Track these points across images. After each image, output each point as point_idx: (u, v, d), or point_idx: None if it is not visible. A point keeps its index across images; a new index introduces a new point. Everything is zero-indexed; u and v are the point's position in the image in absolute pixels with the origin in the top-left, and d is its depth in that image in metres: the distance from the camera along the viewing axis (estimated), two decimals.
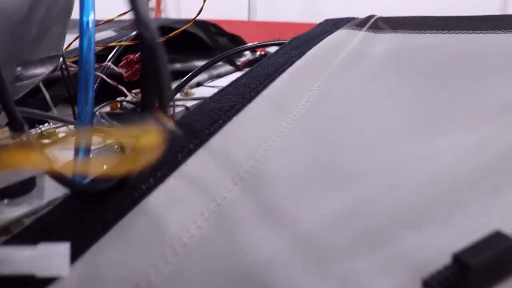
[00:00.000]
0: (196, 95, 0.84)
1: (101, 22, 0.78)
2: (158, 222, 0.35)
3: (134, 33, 0.93)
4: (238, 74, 0.99)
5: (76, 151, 0.42)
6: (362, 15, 0.91)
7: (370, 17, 0.90)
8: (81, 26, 0.44)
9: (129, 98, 0.72)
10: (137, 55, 0.56)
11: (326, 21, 0.94)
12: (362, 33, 0.79)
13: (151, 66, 0.29)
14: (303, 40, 0.78)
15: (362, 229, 0.33)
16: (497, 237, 0.27)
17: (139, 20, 0.29)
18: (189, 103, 0.80)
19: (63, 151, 0.54)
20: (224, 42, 1.22)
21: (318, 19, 0.95)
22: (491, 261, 0.26)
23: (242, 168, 0.41)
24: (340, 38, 0.77)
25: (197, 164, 0.42)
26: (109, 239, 0.34)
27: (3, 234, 0.40)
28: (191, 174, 0.41)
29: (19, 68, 0.45)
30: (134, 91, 0.71)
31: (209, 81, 1.03)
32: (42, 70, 0.48)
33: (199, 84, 0.98)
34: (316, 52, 0.70)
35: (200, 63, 1.21)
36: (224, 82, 0.92)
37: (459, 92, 0.55)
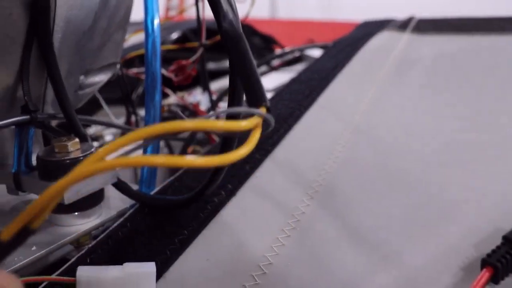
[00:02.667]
0: None
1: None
2: (238, 239, 0.34)
3: (175, 35, 0.92)
4: (273, 74, 0.98)
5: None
6: (383, 11, 0.89)
7: (411, 18, 0.89)
8: (146, 28, 0.43)
9: (172, 99, 0.72)
10: (190, 61, 0.56)
11: (365, 23, 0.93)
12: (406, 36, 0.78)
13: (239, 60, 0.28)
14: (347, 43, 0.77)
15: (445, 245, 0.33)
16: None
17: (221, 15, 0.28)
18: None
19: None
20: (257, 42, 1.21)
21: (339, 16, 0.94)
22: None
23: (314, 181, 0.40)
24: (384, 41, 0.76)
25: (267, 176, 0.41)
26: (189, 257, 0.33)
27: (73, 245, 0.39)
28: (262, 187, 0.40)
29: (82, 77, 0.44)
30: (179, 93, 0.70)
31: None
32: (102, 77, 0.47)
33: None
34: (364, 57, 0.69)
35: None
36: (265, 83, 0.91)
37: None
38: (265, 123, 0.25)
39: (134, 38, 0.82)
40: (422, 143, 0.46)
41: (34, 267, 0.40)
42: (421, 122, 0.51)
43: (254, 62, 0.28)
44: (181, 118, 0.54)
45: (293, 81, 0.61)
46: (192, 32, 1.00)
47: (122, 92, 0.61)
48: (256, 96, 0.27)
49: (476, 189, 0.39)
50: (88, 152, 0.37)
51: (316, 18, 2.80)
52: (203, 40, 0.56)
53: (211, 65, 1.09)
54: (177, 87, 0.70)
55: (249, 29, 1.17)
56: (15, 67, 0.37)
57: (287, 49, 0.93)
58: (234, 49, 0.28)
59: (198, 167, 0.19)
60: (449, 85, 0.58)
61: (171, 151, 0.65)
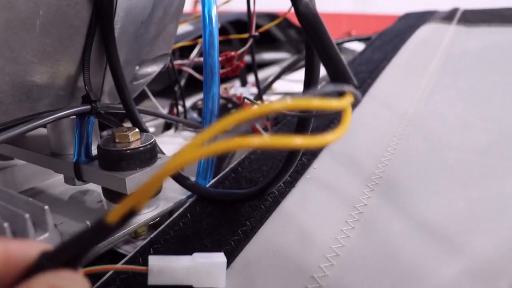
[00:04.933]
0: (279, 90, 0.83)
1: (193, 16, 0.77)
2: (302, 230, 0.34)
3: None
4: None
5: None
6: (414, 5, 0.88)
7: (456, 10, 0.87)
8: (204, 19, 0.43)
9: None
10: (238, 52, 0.55)
11: (407, 15, 0.91)
12: (453, 27, 0.77)
13: (319, 42, 0.27)
14: (392, 35, 0.76)
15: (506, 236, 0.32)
16: None
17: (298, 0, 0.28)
18: (273, 98, 0.79)
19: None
20: (293, 34, 1.20)
21: (370, 9, 0.93)
22: None
23: (373, 173, 0.40)
24: (431, 34, 0.74)
25: (325, 167, 0.41)
26: (253, 247, 0.33)
27: (131, 235, 0.39)
28: (321, 179, 0.39)
29: (137, 67, 0.44)
30: (223, 85, 0.70)
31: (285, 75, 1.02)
32: (155, 68, 0.47)
33: (277, 78, 0.97)
34: (411, 49, 0.68)
35: (268, 55, 1.20)
36: (299, 75, 0.90)
37: None
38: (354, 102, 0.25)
39: None
40: (477, 136, 0.45)
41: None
42: (475, 114, 0.50)
43: (334, 42, 0.27)
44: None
45: None
46: (230, 24, 0.99)
47: (170, 82, 0.61)
48: (342, 75, 0.27)
49: None
50: (148, 143, 0.37)
51: (348, 11, 2.78)
52: (253, 32, 0.55)
53: (247, 58, 1.09)
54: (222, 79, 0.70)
55: (286, 21, 1.16)
56: (78, 57, 0.37)
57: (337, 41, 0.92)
58: (312, 31, 0.27)
59: (304, 147, 0.19)
60: (501, 77, 0.57)
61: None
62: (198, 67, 0.70)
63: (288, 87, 0.86)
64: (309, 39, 0.29)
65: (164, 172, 0.17)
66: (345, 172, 0.40)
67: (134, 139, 0.38)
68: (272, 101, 0.19)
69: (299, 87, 0.55)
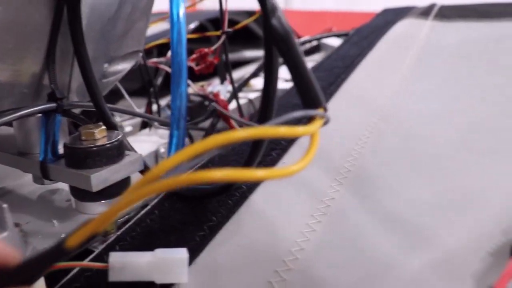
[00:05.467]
0: (257, 87, 0.83)
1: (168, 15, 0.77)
2: (267, 225, 0.34)
3: (192, 25, 0.92)
4: None
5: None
6: (398, 2, 0.89)
7: (433, 5, 0.88)
8: (172, 18, 0.43)
9: (191, 90, 0.71)
10: (212, 49, 0.55)
11: (385, 10, 0.92)
12: (429, 23, 0.77)
13: (290, 59, 0.27)
14: (369, 31, 0.76)
15: (479, 230, 0.32)
16: None
17: (270, 13, 0.27)
18: (252, 95, 0.79)
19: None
20: None
21: (354, 7, 0.93)
22: None
23: (342, 167, 0.40)
24: (407, 29, 0.75)
25: (294, 161, 0.41)
26: (219, 243, 0.33)
27: (101, 234, 0.39)
28: None
29: (106, 65, 0.44)
30: (199, 83, 0.70)
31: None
32: (125, 66, 0.47)
33: (254, 75, 0.97)
34: (387, 44, 0.68)
35: (249, 53, 1.20)
36: (280, 71, 0.90)
37: None
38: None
39: (153, 28, 0.82)
40: (449, 129, 0.45)
41: None
42: (448, 108, 0.50)
43: (305, 60, 0.27)
44: (214, 108, 0.53)
45: (316, 69, 0.61)
46: (209, 22, 0.99)
47: (143, 81, 0.61)
48: (312, 97, 0.27)
49: (505, 175, 0.38)
50: (114, 140, 0.37)
51: (331, 9, 2.78)
52: (226, 28, 0.55)
53: (229, 56, 1.09)
54: (197, 77, 0.70)
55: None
56: (42, 54, 0.37)
57: (306, 38, 0.92)
58: (284, 47, 0.26)
59: (263, 180, 0.20)
60: (475, 71, 0.57)
61: (192, 141, 0.65)
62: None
63: None
64: (268, 57, 0.29)
65: (119, 206, 0.18)
66: (315, 166, 0.40)
67: (101, 136, 0.37)
68: (238, 130, 0.19)
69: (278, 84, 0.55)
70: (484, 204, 0.35)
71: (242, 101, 0.75)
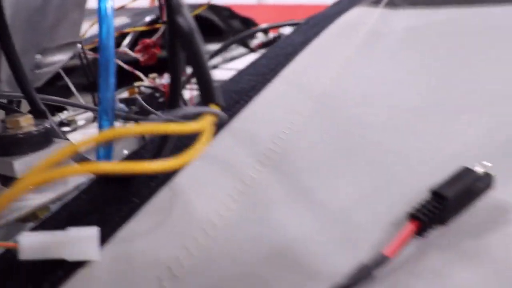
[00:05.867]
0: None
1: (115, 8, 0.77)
2: (186, 204, 0.35)
3: (148, 18, 0.93)
4: (252, 56, 0.98)
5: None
6: None
7: None
8: (100, 12, 0.43)
9: (146, 83, 0.72)
10: (153, 39, 0.56)
11: (340, 0, 0.92)
12: (379, 11, 0.78)
13: (191, 56, 0.28)
14: (320, 19, 0.76)
15: (389, 204, 0.33)
16: (465, 172, 0.31)
17: (173, 7, 0.28)
18: None
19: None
20: (237, 25, 1.21)
21: (329, 1, 0.93)
22: (461, 191, 0.30)
23: (268, 149, 0.41)
24: (357, 16, 0.76)
25: (221, 145, 0.42)
26: (137, 222, 0.34)
27: (31, 220, 0.40)
28: (215, 156, 0.40)
29: (38, 56, 0.44)
30: (151, 75, 0.70)
31: (223, 63, 1.03)
32: (61, 57, 0.48)
33: (214, 67, 0.98)
34: (334, 31, 0.69)
35: (214, 46, 1.21)
36: (239, 64, 0.91)
37: (482, 68, 0.54)
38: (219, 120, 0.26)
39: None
40: (380, 111, 0.47)
41: None
42: (383, 92, 0.51)
43: (207, 58, 0.28)
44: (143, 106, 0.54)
45: (260, 57, 0.61)
46: None
47: (85, 74, 0.61)
48: (208, 94, 0.28)
49: (420, 155, 0.39)
50: (41, 128, 0.38)
51: (305, 2, 2.79)
52: (165, 17, 0.56)
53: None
54: (148, 70, 0.70)
55: (228, 12, 1.17)
56: None
57: (261, 26, 0.93)
58: (188, 45, 0.28)
59: (152, 172, 0.21)
60: (417, 58, 0.59)
61: (143, 138, 0.65)
62: (129, 60, 0.70)
63: (226, 75, 0.86)
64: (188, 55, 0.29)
65: (11, 194, 0.19)
66: (241, 148, 0.41)
67: (26, 124, 0.38)
68: (131, 126, 0.20)
69: None
70: (399, 180, 0.36)
71: (197, 92, 0.76)
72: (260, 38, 1.21)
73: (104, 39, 0.44)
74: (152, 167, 0.21)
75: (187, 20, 0.28)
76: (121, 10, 0.82)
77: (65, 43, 0.47)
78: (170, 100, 0.34)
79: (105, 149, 0.43)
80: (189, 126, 0.22)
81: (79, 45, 0.52)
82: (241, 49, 1.11)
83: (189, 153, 0.22)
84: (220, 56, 1.05)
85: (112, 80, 0.44)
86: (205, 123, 0.24)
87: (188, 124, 0.22)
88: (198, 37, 0.28)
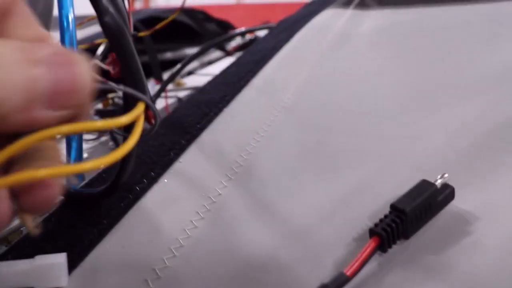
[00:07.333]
0: (189, 85, 0.84)
1: (87, 19, 0.77)
2: (154, 224, 0.35)
3: None
4: (229, 59, 0.98)
5: (68, 154, 0.42)
6: None
7: None
8: (61, 23, 0.43)
9: (119, 94, 0.72)
10: None
11: (313, 1, 0.93)
12: (349, 12, 0.79)
13: (120, 55, 0.28)
14: (290, 22, 0.77)
15: (352, 218, 0.34)
16: (424, 184, 0.32)
17: (103, 12, 0.28)
18: (182, 94, 0.80)
19: None
20: (212, 28, 1.21)
21: None
22: (421, 204, 0.30)
23: (235, 162, 0.41)
24: (326, 19, 0.76)
25: (190, 160, 0.42)
26: (106, 245, 0.34)
27: (3, 244, 0.40)
28: (185, 172, 0.41)
29: None
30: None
31: (200, 68, 1.03)
32: None
33: (190, 73, 0.97)
34: (304, 35, 0.69)
35: (191, 50, 1.21)
36: (215, 68, 0.91)
37: (446, 67, 0.55)
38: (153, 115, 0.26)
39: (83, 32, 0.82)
40: (345, 116, 0.47)
41: None
42: (349, 95, 0.52)
43: (137, 58, 0.28)
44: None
45: (231, 65, 0.62)
46: (140, 22, 0.99)
47: None
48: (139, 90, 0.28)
49: (386, 160, 0.40)
50: None
51: (283, 1, 2.79)
52: (131, 30, 0.56)
53: (168, 55, 1.10)
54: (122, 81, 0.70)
55: (203, 15, 1.17)
56: None
57: (237, 30, 0.93)
58: (117, 44, 0.28)
59: (86, 171, 0.21)
60: (380, 56, 0.59)
61: (116, 144, 0.65)
62: (98, 71, 0.70)
63: (201, 81, 0.86)
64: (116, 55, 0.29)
65: None
66: (209, 163, 0.41)
67: None
68: (48, 129, 0.20)
69: None
70: (364, 191, 0.37)
71: (171, 100, 0.76)
72: (236, 40, 1.21)
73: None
74: (84, 167, 0.21)
75: (115, 20, 0.28)
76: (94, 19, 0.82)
77: None
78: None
79: (76, 154, 0.43)
80: (116, 122, 0.22)
81: None
82: (217, 53, 1.11)
83: (120, 150, 0.22)
84: (196, 61, 1.05)
85: None
86: (133, 116, 0.23)
87: (115, 120, 0.22)
88: (127, 34, 0.28)
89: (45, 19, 0.48)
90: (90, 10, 0.32)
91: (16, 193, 0.22)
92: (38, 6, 0.45)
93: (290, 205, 0.36)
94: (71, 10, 0.44)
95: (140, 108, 0.24)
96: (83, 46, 0.69)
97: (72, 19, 0.44)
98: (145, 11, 1.02)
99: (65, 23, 0.44)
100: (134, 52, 0.28)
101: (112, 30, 0.28)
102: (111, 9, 0.28)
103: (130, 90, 0.26)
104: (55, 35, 0.60)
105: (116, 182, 0.36)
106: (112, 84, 0.25)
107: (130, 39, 0.28)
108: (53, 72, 0.20)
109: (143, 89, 0.28)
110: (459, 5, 0.72)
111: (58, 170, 0.21)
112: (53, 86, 0.19)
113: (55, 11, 0.47)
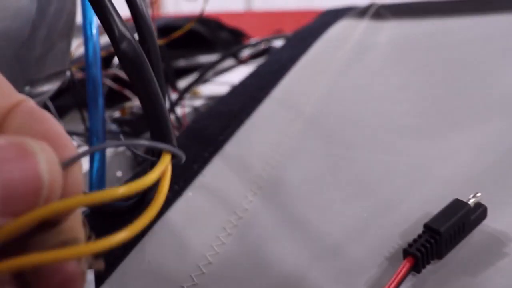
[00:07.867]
0: (204, 94, 0.84)
1: None
2: (180, 240, 0.35)
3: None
4: (242, 67, 0.98)
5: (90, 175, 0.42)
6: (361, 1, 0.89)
7: (371, 5, 0.89)
8: (85, 32, 0.43)
9: (135, 102, 0.72)
10: None
11: (327, 11, 0.93)
12: (364, 23, 0.78)
13: (139, 85, 0.26)
14: (306, 33, 0.77)
15: (383, 237, 0.33)
16: (457, 204, 0.31)
17: (113, 31, 0.25)
18: (197, 103, 0.79)
19: None
20: (225, 36, 1.21)
21: (315, 6, 0.93)
22: (454, 224, 0.30)
23: (259, 177, 0.41)
24: (343, 30, 0.76)
25: (214, 174, 0.42)
26: (131, 261, 0.34)
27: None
28: (209, 186, 0.40)
29: (27, 87, 0.44)
30: None
31: (214, 76, 1.02)
32: (50, 87, 0.47)
33: (206, 81, 0.97)
34: (321, 47, 0.69)
35: (204, 58, 1.21)
36: (230, 76, 0.91)
37: (469, 81, 0.54)
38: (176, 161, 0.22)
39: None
40: (370, 131, 0.47)
41: None
42: (372, 110, 0.51)
43: (159, 90, 0.26)
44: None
45: (250, 76, 0.62)
46: (158, 31, 0.99)
47: (74, 99, 0.61)
48: (160, 133, 0.26)
49: (415, 177, 0.39)
50: None
51: (292, 8, 2.79)
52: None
53: (181, 62, 1.10)
54: None
55: (216, 23, 1.17)
56: None
57: (253, 40, 0.93)
58: (135, 73, 0.26)
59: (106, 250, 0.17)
60: (399, 70, 0.59)
61: (134, 156, 0.65)
62: (118, 79, 0.70)
63: (216, 90, 0.86)
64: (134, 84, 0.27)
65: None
66: (233, 177, 0.41)
67: None
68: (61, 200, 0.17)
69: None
70: (393, 209, 0.36)
71: (187, 110, 0.76)
72: (248, 48, 1.21)
73: (91, 59, 0.44)
74: (104, 244, 0.17)
75: (132, 44, 0.25)
76: None
77: (53, 72, 0.47)
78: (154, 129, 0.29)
79: (97, 174, 0.43)
80: (142, 184, 0.18)
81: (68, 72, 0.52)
82: (231, 61, 1.11)
83: (142, 220, 0.19)
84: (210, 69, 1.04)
85: (101, 101, 0.43)
86: (158, 173, 0.19)
87: (140, 181, 0.18)
88: (146, 62, 0.25)
89: (67, 34, 0.48)
90: None
91: (25, 279, 0.18)
92: (62, 15, 0.45)
93: (320, 222, 0.35)
94: (95, 18, 0.43)
95: (166, 160, 0.20)
96: (104, 54, 0.69)
97: (96, 27, 0.44)
98: (160, 20, 1.02)
99: (88, 32, 0.43)
100: (157, 87, 0.26)
101: (131, 60, 0.25)
102: (128, 34, 0.26)
103: (151, 144, 0.23)
104: (78, 42, 0.60)
105: (144, 197, 0.35)
106: (132, 142, 0.23)
107: (150, 70, 0.26)
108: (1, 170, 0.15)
109: (167, 134, 0.26)
110: (475, 16, 0.72)
111: (69, 252, 0.17)
112: (2, 189, 0.15)
113: (78, 19, 0.47)
